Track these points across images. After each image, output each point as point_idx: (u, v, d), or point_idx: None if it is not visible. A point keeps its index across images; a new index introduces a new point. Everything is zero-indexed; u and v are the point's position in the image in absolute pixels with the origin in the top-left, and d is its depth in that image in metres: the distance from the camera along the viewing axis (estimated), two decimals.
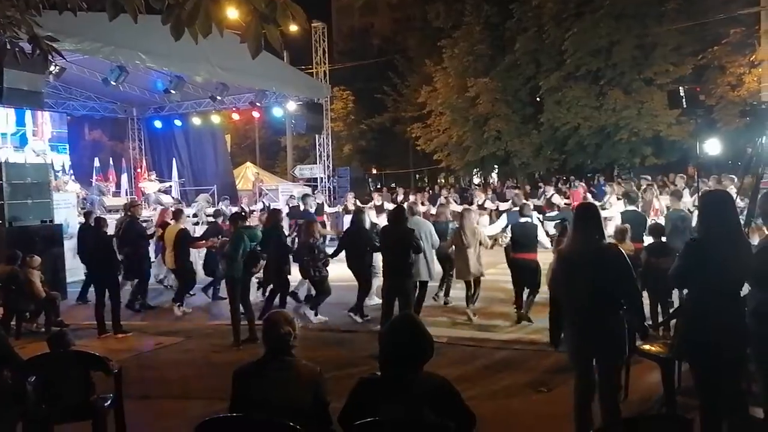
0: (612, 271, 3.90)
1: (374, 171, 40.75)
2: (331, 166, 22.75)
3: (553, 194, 16.25)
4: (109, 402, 4.45)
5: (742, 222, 4.69)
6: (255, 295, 9.06)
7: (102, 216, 9.91)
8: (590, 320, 3.92)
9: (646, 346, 5.07)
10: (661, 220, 9.21)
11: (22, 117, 19.89)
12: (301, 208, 12.70)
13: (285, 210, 13.13)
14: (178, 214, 10.25)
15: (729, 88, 20.57)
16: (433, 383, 2.82)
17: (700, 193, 7.49)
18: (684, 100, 13.94)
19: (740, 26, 19.86)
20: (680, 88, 14.19)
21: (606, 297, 3.91)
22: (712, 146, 19.17)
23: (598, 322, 3.91)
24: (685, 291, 4.08)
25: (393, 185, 39.04)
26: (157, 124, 22.04)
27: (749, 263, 3.84)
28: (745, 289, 4.07)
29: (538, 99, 25.42)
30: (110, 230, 9.22)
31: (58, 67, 13.58)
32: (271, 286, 8.92)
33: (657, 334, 5.96)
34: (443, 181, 40.90)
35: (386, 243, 7.41)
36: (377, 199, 16.81)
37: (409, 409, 2.70)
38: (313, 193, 17.72)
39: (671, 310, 6.51)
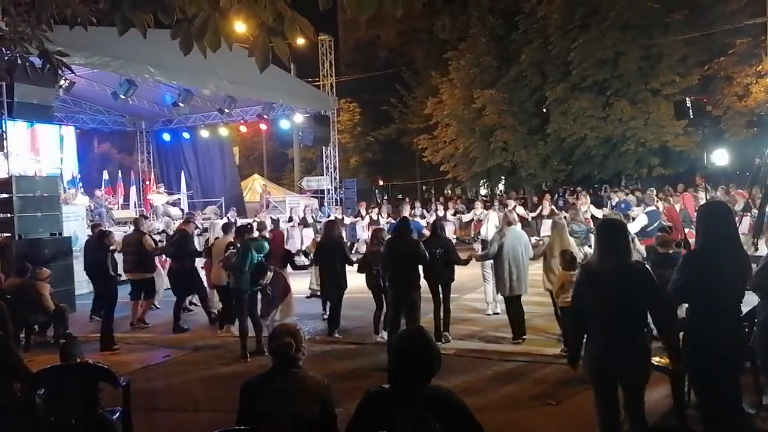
0: (636, 288, 3.84)
1: (381, 182, 40.83)
2: (338, 177, 22.82)
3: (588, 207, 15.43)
4: (117, 414, 4.45)
5: (740, 233, 4.64)
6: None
7: (104, 229, 9.79)
8: (613, 338, 3.85)
9: (656, 358, 5.03)
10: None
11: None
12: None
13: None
14: (227, 228, 9.54)
15: (736, 99, 20.52)
16: (440, 395, 2.81)
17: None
18: (691, 110, 13.93)
19: (746, 37, 19.85)
20: (687, 98, 14.20)
21: (631, 315, 3.84)
22: (720, 156, 19.15)
23: (622, 339, 3.84)
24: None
25: (400, 196, 39.14)
26: (166, 136, 22.23)
27: (747, 274, 3.82)
28: (754, 300, 4.06)
29: (544, 110, 25.45)
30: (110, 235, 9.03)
31: (67, 81, 13.73)
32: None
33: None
34: (450, 192, 40.92)
35: (391, 255, 7.35)
36: (337, 214, 16.89)
37: (417, 421, 2.69)
38: (323, 206, 17.74)
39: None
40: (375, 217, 17.44)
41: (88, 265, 9.86)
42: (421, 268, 7.55)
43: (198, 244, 11.05)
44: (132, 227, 10.79)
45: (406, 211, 11.77)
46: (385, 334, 7.97)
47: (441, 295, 8.07)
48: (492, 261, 8.04)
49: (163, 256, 10.46)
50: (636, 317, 3.88)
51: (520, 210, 16.89)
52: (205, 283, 9.68)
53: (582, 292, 4.08)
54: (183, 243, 9.58)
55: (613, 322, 3.85)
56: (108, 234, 8.93)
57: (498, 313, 8.96)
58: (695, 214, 4.18)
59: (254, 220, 14.28)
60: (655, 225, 9.71)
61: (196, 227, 11.87)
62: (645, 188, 19.88)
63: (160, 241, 11.26)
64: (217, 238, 9.68)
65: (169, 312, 9.62)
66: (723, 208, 4.14)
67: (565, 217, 9.41)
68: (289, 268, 9.09)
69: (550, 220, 14.77)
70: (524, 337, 7.68)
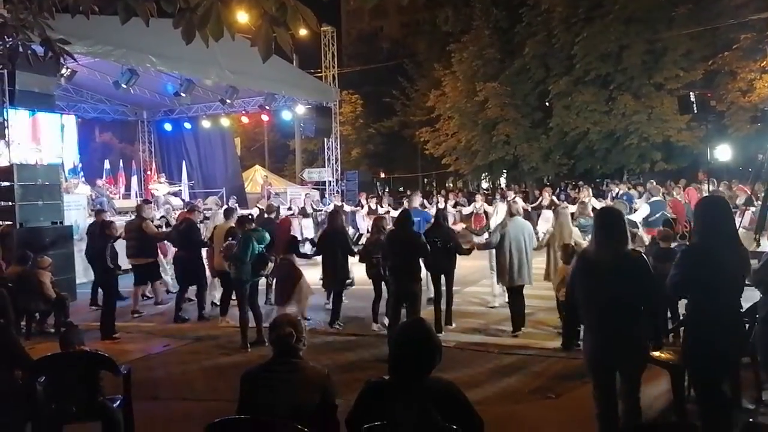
0: (632, 278, 3.83)
1: (382, 175, 40.80)
2: (339, 169, 22.80)
3: (590, 198, 15.26)
4: (118, 402, 4.47)
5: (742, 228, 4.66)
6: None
7: (107, 219, 9.75)
8: (610, 328, 3.84)
9: (656, 353, 5.03)
10: None
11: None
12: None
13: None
14: (229, 213, 9.50)
15: (740, 94, 20.46)
16: (440, 387, 2.82)
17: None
18: (695, 105, 13.91)
19: (751, 32, 19.77)
20: (691, 93, 14.17)
21: (626, 304, 3.82)
22: (723, 152, 19.13)
23: (619, 329, 3.82)
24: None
25: (401, 189, 39.13)
26: (167, 126, 22.19)
27: (746, 268, 3.82)
28: (754, 296, 4.05)
29: (547, 103, 25.39)
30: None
31: (69, 70, 13.69)
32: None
33: (667, 340, 5.92)
34: (452, 185, 40.88)
35: (393, 247, 7.32)
36: (337, 201, 17.06)
37: (417, 412, 2.69)
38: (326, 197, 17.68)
39: (681, 317, 6.47)
40: (374, 207, 17.41)
41: (89, 252, 9.89)
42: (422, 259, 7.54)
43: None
44: (134, 215, 10.78)
45: (416, 203, 11.55)
46: (384, 321, 7.97)
47: (444, 286, 8.06)
48: (495, 251, 7.96)
49: (164, 242, 10.46)
50: (632, 306, 3.85)
51: (520, 202, 16.82)
52: (207, 271, 9.69)
53: (577, 281, 4.07)
54: (190, 232, 9.50)
55: (609, 311, 3.83)
56: (110, 224, 8.93)
57: (504, 306, 8.89)
58: (694, 207, 4.17)
59: (257, 207, 14.25)
60: (658, 215, 9.70)
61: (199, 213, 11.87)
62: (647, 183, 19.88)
63: (158, 225, 11.27)
64: (216, 226, 9.67)
65: (170, 301, 9.63)
66: (721, 201, 4.12)
67: (566, 207, 9.38)
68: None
69: (549, 211, 14.83)
70: (522, 328, 7.64)
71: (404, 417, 2.70)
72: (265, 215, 10.35)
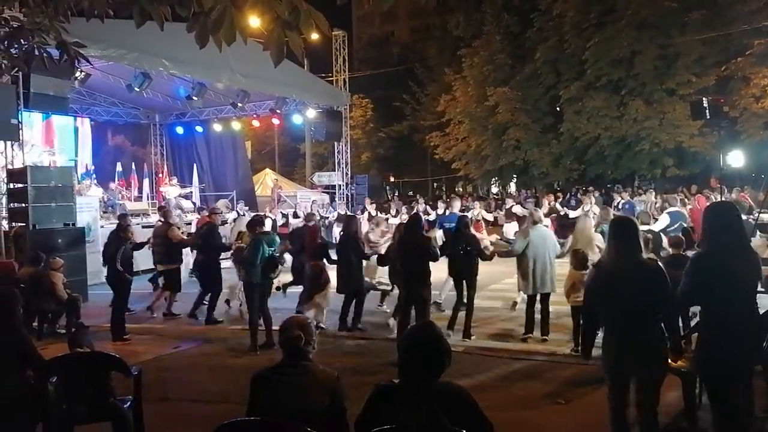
0: (648, 286, 3.81)
1: (392, 179, 40.80)
2: (349, 173, 22.84)
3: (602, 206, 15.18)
4: (128, 403, 4.50)
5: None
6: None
7: (123, 223, 9.82)
8: (629, 335, 3.84)
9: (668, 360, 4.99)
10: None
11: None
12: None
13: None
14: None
15: (753, 100, 20.29)
16: (450, 391, 2.81)
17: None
18: (707, 111, 13.80)
19: (764, 37, 19.62)
20: (703, 99, 14.06)
21: (644, 312, 3.81)
22: (736, 158, 18.95)
23: (636, 337, 3.82)
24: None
25: (411, 193, 39.11)
26: (179, 130, 22.33)
27: (758, 273, 3.79)
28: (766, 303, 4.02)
29: (558, 109, 25.30)
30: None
31: (83, 73, 13.81)
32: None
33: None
34: (461, 189, 40.84)
35: (402, 252, 7.37)
36: (341, 209, 17.02)
37: (426, 416, 2.69)
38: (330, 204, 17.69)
39: (692, 324, 6.41)
40: (374, 213, 17.38)
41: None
42: (447, 263, 7.59)
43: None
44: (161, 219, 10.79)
45: (456, 208, 11.45)
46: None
47: (465, 292, 8.00)
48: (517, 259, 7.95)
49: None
50: (649, 314, 3.84)
51: (518, 209, 16.64)
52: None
53: (595, 291, 4.06)
54: (210, 236, 9.51)
55: (627, 320, 3.83)
56: (126, 228, 8.95)
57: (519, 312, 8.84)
58: (702, 214, 4.13)
59: (280, 212, 14.14)
60: (676, 226, 9.66)
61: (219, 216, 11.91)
62: (659, 189, 19.78)
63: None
64: (242, 232, 9.71)
65: (181, 304, 9.72)
66: (731, 207, 4.09)
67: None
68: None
69: (547, 219, 14.74)
70: (529, 336, 7.63)
71: (413, 421, 2.69)
72: (303, 223, 10.52)
